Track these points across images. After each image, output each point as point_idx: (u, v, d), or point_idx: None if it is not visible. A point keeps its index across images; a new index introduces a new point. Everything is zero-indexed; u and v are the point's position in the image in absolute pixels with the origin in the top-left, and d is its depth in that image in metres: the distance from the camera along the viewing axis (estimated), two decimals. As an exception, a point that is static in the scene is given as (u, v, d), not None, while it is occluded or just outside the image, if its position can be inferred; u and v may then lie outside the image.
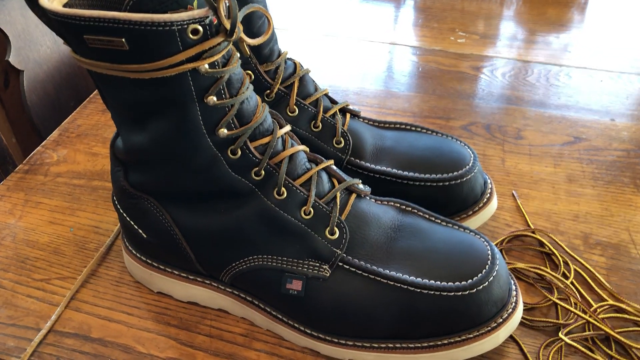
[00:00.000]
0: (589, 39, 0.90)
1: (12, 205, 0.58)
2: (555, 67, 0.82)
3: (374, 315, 0.41)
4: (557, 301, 0.47)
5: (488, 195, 0.52)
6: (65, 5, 0.35)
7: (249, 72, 0.49)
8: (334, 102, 0.55)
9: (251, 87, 0.40)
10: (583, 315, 0.46)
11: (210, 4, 0.33)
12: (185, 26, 0.33)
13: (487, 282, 0.40)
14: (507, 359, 0.44)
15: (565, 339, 0.44)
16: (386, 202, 0.46)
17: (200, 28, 0.33)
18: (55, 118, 0.77)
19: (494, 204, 0.53)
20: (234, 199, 0.41)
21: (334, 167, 0.45)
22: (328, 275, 0.41)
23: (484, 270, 0.41)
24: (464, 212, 0.52)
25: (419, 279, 0.40)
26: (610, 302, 0.47)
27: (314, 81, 0.54)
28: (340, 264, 0.42)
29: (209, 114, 0.37)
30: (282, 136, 0.42)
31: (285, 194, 0.41)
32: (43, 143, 0.67)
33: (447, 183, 0.50)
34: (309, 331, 0.43)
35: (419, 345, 0.41)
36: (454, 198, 0.51)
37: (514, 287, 0.43)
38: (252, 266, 0.42)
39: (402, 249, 0.43)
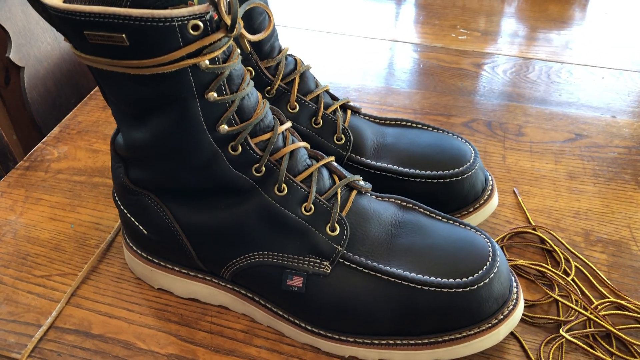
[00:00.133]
0: (591, 36, 0.90)
1: (12, 201, 0.58)
2: (556, 64, 0.82)
3: (374, 311, 0.41)
4: (558, 298, 0.47)
5: (489, 192, 0.52)
6: (65, 1, 0.34)
7: (250, 68, 0.49)
8: (334, 98, 0.55)
9: (252, 83, 0.39)
10: (584, 312, 0.46)
11: (211, 0, 0.33)
12: (186, 22, 0.33)
13: (487, 279, 0.40)
14: (507, 355, 0.44)
15: (566, 335, 0.44)
16: (387, 199, 0.46)
17: (200, 24, 0.33)
18: (55, 115, 0.77)
19: (494, 200, 0.53)
20: (234, 196, 0.41)
21: (335, 164, 0.45)
22: (329, 271, 0.41)
23: (485, 267, 0.41)
24: (465, 209, 0.51)
25: (420, 276, 0.40)
26: (611, 299, 0.47)
27: (314, 78, 0.54)
28: (341, 260, 0.42)
29: (210, 110, 0.37)
30: (282, 132, 0.42)
31: (285, 191, 0.41)
32: (44, 140, 0.67)
33: (448, 180, 0.50)
34: (309, 327, 0.43)
35: (420, 341, 0.41)
36: (454, 195, 0.50)
37: (514, 284, 0.43)
38: (252, 263, 0.42)
39: (402, 245, 0.42)
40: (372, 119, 0.56)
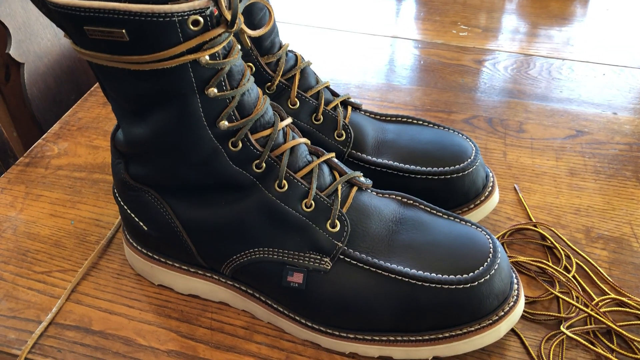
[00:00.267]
0: (592, 33, 0.89)
1: (13, 198, 0.58)
2: (557, 61, 0.82)
3: (375, 308, 0.41)
4: (559, 295, 0.47)
5: (490, 188, 0.52)
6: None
7: (250, 64, 0.49)
8: (335, 94, 0.54)
9: (252, 79, 0.39)
10: (585, 308, 0.45)
11: (211, -5, 0.33)
12: (186, 17, 0.32)
13: (488, 275, 0.40)
14: (508, 352, 0.44)
15: (567, 332, 0.44)
16: (387, 195, 0.46)
17: (200, 19, 0.33)
18: (55, 111, 0.77)
19: (495, 197, 0.53)
20: (234, 192, 0.41)
21: (335, 160, 0.45)
22: (329, 268, 0.41)
23: (486, 264, 0.40)
24: (466, 206, 0.51)
25: (421, 272, 0.40)
26: (612, 295, 0.47)
27: (315, 74, 0.54)
28: (342, 256, 0.41)
29: (210, 106, 0.37)
30: (283, 129, 0.42)
31: (286, 187, 0.41)
32: (44, 136, 0.67)
33: (448, 176, 0.50)
34: (309, 324, 0.43)
35: (420, 338, 0.41)
36: (455, 191, 0.50)
37: (515, 281, 0.43)
38: (253, 259, 0.42)
39: (403, 241, 0.42)
40: (373, 116, 0.56)
